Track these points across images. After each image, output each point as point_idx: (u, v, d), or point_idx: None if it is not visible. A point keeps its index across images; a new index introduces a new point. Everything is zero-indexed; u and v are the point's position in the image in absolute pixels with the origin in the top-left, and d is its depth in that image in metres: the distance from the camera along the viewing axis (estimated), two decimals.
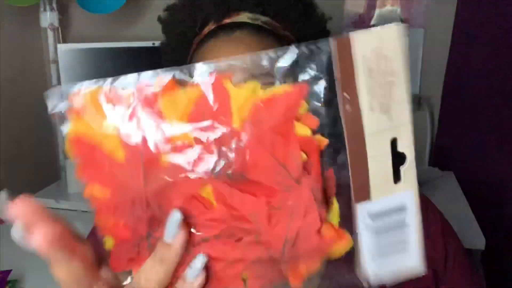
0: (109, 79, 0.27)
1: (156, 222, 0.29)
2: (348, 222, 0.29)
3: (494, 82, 1.37)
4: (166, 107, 0.27)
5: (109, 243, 0.30)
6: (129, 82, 0.27)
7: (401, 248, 0.29)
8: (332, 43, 0.26)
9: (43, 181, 1.47)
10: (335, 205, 0.29)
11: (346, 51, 0.26)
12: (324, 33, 0.58)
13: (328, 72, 0.27)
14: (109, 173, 0.28)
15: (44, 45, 1.51)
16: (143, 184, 0.28)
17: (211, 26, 0.55)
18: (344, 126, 0.27)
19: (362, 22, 1.49)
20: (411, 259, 0.29)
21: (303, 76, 0.27)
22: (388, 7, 1.46)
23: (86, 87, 0.27)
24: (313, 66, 0.27)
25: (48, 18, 1.38)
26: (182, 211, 0.28)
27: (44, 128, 1.56)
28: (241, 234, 0.28)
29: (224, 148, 0.27)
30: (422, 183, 1.31)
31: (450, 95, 1.43)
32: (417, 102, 1.46)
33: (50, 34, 1.41)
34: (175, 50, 0.60)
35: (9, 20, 1.38)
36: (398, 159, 0.28)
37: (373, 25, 1.48)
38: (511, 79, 1.34)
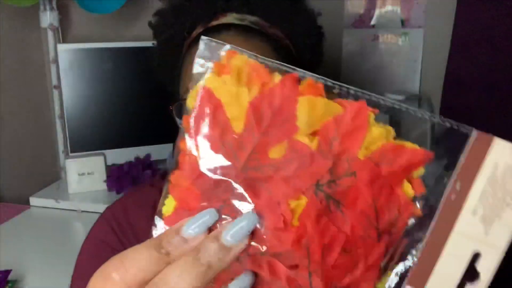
0: (262, 58, 0.27)
1: (227, 210, 0.27)
2: None
3: (494, 82, 1.37)
4: (303, 106, 0.26)
5: (169, 206, 0.29)
6: (278, 68, 0.27)
7: None
8: (474, 134, 0.26)
9: (43, 181, 1.47)
10: (389, 275, 0.28)
11: (482, 148, 0.25)
12: (315, 29, 0.58)
13: (452, 155, 0.26)
14: (219, 138, 0.27)
15: (44, 45, 1.51)
16: (242, 166, 0.27)
17: (199, 29, 0.55)
18: (439, 210, 0.26)
19: (362, 22, 1.49)
20: None
21: (428, 145, 0.27)
22: (388, 7, 1.46)
23: (239, 51, 0.27)
24: (444, 142, 0.27)
25: (48, 18, 1.39)
26: (259, 215, 0.27)
27: (44, 128, 1.56)
28: (299, 262, 0.27)
29: (338, 169, 0.27)
30: None
31: (450, 95, 1.43)
32: (417, 102, 1.46)
33: (50, 34, 1.41)
34: (166, 54, 0.60)
35: (9, 20, 1.38)
36: (470, 275, 0.26)
37: (373, 25, 1.48)
38: (511, 79, 1.34)
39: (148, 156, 1.42)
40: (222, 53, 0.28)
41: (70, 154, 1.38)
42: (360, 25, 1.50)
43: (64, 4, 1.47)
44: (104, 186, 1.36)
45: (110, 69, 1.38)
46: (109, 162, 1.38)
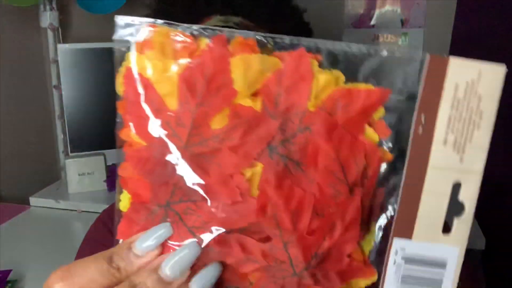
0: (184, 25, 0.25)
1: (179, 193, 0.26)
2: (378, 254, 0.26)
3: None
4: (237, 67, 0.24)
5: (125, 200, 0.27)
6: (202, 34, 0.25)
7: None
8: (427, 58, 0.23)
9: (43, 181, 1.47)
10: (373, 231, 0.26)
11: (439, 71, 0.23)
12: (302, 26, 0.58)
13: (411, 86, 0.24)
14: (155, 119, 0.25)
15: (44, 45, 1.51)
16: (184, 144, 0.25)
17: None
18: (409, 149, 0.24)
19: (362, 22, 1.49)
20: None
21: (385, 83, 0.25)
22: (388, 7, 1.46)
23: (159, 24, 0.25)
24: (399, 74, 0.25)
25: (48, 18, 1.39)
26: (213, 192, 0.25)
27: (44, 128, 1.56)
28: (271, 233, 0.25)
29: (289, 127, 0.25)
30: None
31: None
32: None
33: (50, 34, 1.41)
34: None
35: (9, 20, 1.38)
36: (455, 207, 0.25)
37: (373, 25, 1.48)
38: (510, 79, 1.34)
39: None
40: (142, 29, 0.25)
41: (70, 154, 1.38)
42: (360, 25, 1.50)
43: (64, 4, 1.47)
44: (104, 186, 1.36)
45: (110, 69, 1.38)
46: (109, 162, 1.38)
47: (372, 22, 1.48)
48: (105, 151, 1.37)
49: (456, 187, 0.24)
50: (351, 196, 0.25)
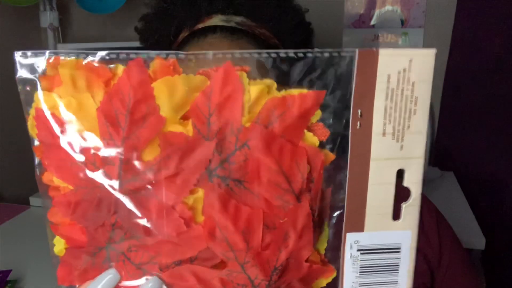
0: (95, 53, 0.22)
1: (120, 232, 0.24)
2: (333, 250, 0.26)
3: (494, 82, 1.37)
4: (161, 92, 0.23)
5: (59, 245, 0.26)
6: (115, 59, 0.23)
7: None
8: (356, 54, 0.23)
9: None
10: (326, 231, 0.26)
11: (370, 65, 0.23)
12: (304, 26, 0.58)
13: (344, 84, 0.24)
14: (80, 161, 0.23)
15: (44, 45, 1.51)
16: (117, 182, 0.23)
17: (185, 33, 0.54)
18: (350, 144, 0.24)
19: (362, 22, 1.49)
20: None
21: (319, 84, 0.24)
22: (388, 7, 1.46)
23: (65, 56, 0.23)
24: (331, 74, 0.24)
25: (48, 18, 1.38)
26: (156, 225, 0.24)
27: None
28: (224, 257, 0.25)
29: (225, 146, 0.23)
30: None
31: (450, 96, 1.43)
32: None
33: (50, 34, 1.41)
34: None
35: (9, 20, 1.38)
36: (402, 194, 0.25)
37: (373, 25, 1.48)
38: (510, 78, 1.34)
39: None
40: (44, 63, 0.23)
41: None
42: (360, 25, 1.50)
43: (64, 4, 1.47)
44: None
45: None
46: None
47: (372, 22, 1.48)
48: None
49: (401, 175, 0.25)
50: (299, 203, 0.25)
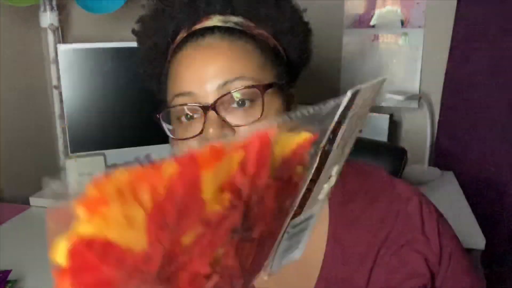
0: (141, 159, 0.21)
1: None
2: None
3: (494, 81, 1.37)
4: (210, 183, 0.22)
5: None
6: (163, 157, 0.23)
7: (296, 245, 0.33)
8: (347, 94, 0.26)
9: (43, 181, 1.47)
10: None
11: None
12: (302, 26, 0.58)
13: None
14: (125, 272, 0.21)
15: (44, 45, 1.51)
16: (155, 275, 0.22)
17: (183, 34, 0.54)
18: (316, 159, 0.28)
19: (362, 22, 1.49)
20: (299, 252, 0.34)
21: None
22: (388, 7, 1.46)
23: (107, 174, 0.22)
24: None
25: (48, 18, 1.38)
26: None
27: (44, 128, 1.56)
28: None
29: (250, 207, 0.25)
30: (422, 183, 1.31)
31: (450, 95, 1.43)
32: (417, 101, 1.46)
33: (50, 34, 1.41)
34: (151, 61, 0.59)
35: (9, 20, 1.38)
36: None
37: (373, 26, 1.48)
38: (511, 78, 1.34)
39: (148, 156, 1.42)
40: (83, 192, 0.22)
41: (70, 154, 1.38)
42: (360, 25, 1.50)
43: (64, 4, 1.47)
44: None
45: (110, 69, 1.38)
46: (109, 162, 1.37)
47: (372, 22, 1.48)
48: (105, 151, 1.37)
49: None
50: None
